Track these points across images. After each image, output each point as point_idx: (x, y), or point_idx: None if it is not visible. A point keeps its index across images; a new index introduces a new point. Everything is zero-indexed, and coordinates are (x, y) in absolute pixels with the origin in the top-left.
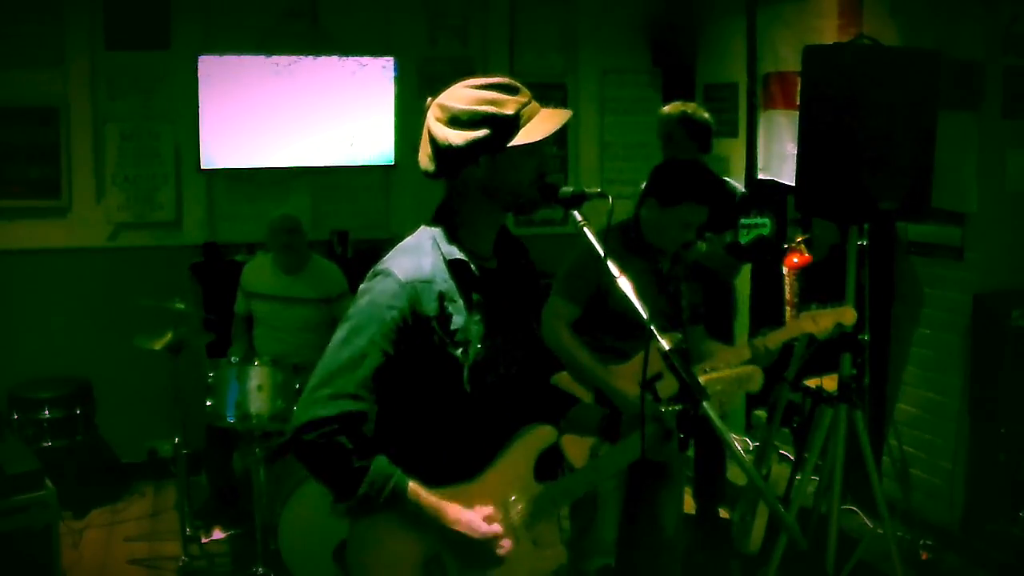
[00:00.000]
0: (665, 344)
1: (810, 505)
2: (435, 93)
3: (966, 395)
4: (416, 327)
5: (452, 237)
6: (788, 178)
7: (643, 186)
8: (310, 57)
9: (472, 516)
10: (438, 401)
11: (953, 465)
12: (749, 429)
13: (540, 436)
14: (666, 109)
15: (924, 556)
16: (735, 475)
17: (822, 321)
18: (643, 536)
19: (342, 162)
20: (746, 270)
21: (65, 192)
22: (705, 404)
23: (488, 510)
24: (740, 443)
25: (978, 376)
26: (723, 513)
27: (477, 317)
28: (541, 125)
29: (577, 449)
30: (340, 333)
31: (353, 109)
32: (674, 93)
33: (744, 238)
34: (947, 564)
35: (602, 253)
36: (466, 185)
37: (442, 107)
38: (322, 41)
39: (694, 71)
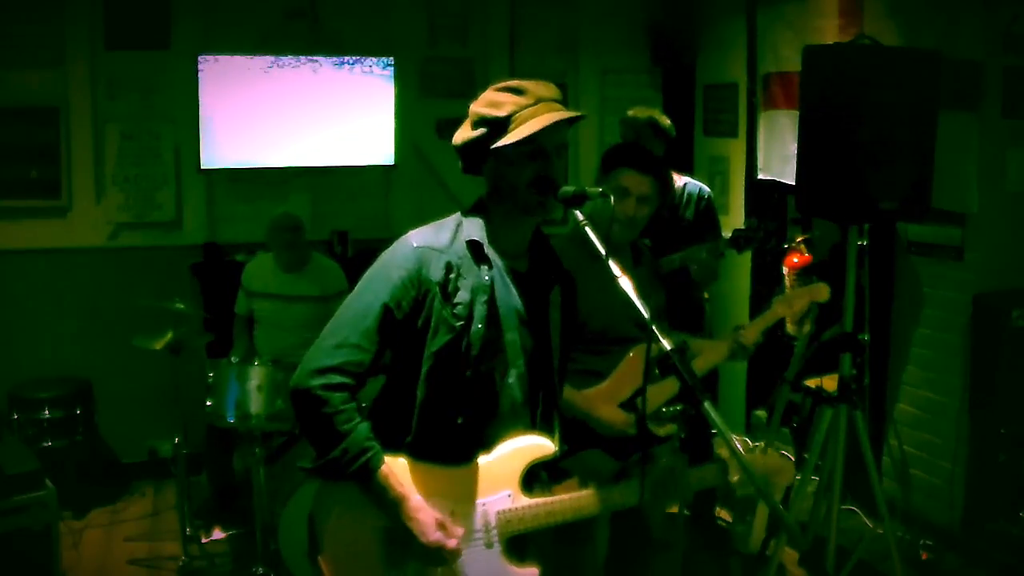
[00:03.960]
0: (667, 344)
1: (810, 505)
2: (435, 93)
3: (966, 395)
4: (421, 291)
5: (489, 230)
6: (789, 178)
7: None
8: (310, 57)
9: (427, 519)
10: (436, 375)
11: (953, 465)
12: (749, 429)
13: (537, 448)
14: (633, 113)
15: (924, 556)
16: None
17: (796, 303)
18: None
19: (342, 162)
20: (746, 270)
21: (65, 192)
22: (706, 404)
23: (443, 516)
24: (740, 443)
25: (978, 376)
26: (722, 514)
27: (484, 299)
28: (529, 126)
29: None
30: (352, 292)
31: (353, 109)
32: (674, 93)
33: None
34: (947, 564)
35: (603, 253)
36: (488, 185)
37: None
38: (322, 41)
39: (694, 71)
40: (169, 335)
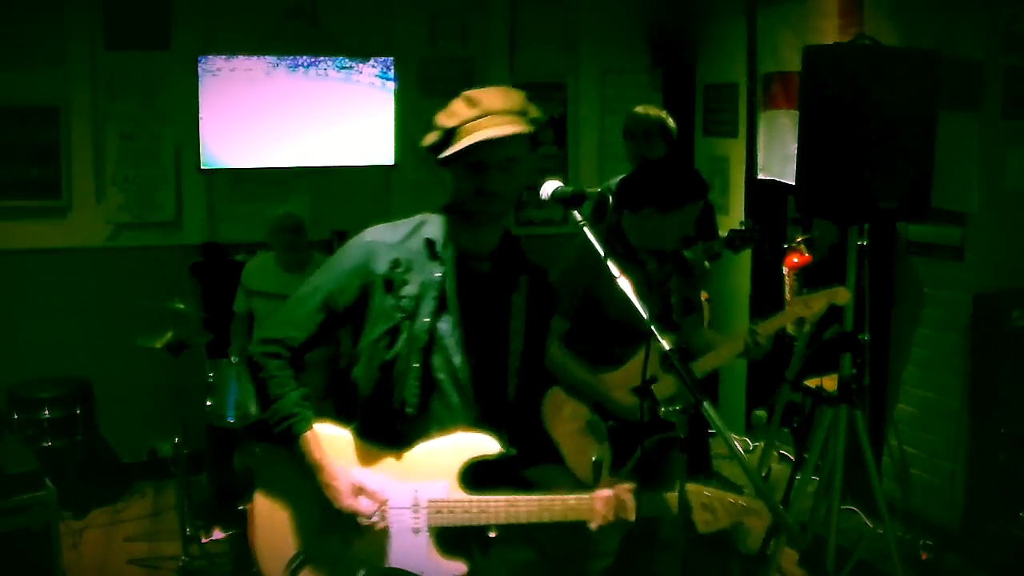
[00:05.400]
0: (666, 344)
1: (810, 505)
2: (435, 93)
3: (966, 395)
4: (365, 282)
5: (452, 230)
6: (789, 178)
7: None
8: (311, 59)
9: (342, 486)
10: (373, 363)
11: (953, 465)
12: (749, 429)
13: (479, 446)
14: (643, 110)
15: (924, 556)
16: (735, 475)
17: (815, 304)
18: (642, 537)
19: (342, 162)
20: (746, 270)
21: (65, 192)
22: (705, 404)
23: (365, 486)
24: (740, 443)
25: (978, 376)
26: None
27: (433, 295)
28: (463, 141)
29: (581, 461)
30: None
31: (353, 109)
32: (674, 93)
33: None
34: (947, 564)
35: (602, 253)
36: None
37: None
38: (322, 41)
39: (694, 71)
40: (169, 335)
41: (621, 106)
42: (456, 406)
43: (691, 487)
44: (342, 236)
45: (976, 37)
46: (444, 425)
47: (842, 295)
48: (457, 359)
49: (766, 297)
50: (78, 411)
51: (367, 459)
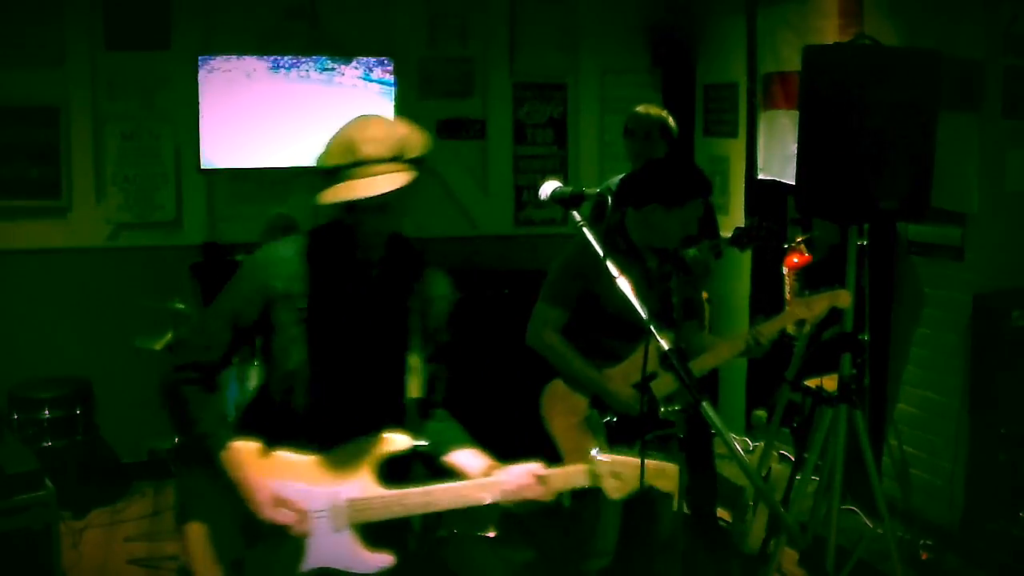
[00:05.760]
0: (664, 344)
1: (810, 505)
2: (435, 93)
3: (966, 395)
4: (267, 297)
5: (338, 245)
6: (789, 178)
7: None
8: (294, 58)
9: (262, 498)
10: (273, 372)
11: (953, 465)
12: (749, 429)
13: (389, 442)
14: (644, 109)
15: (924, 556)
16: (735, 475)
17: (816, 306)
18: (640, 537)
19: None
20: (746, 271)
21: (65, 192)
22: (704, 404)
23: (284, 496)
24: (740, 443)
25: (978, 376)
26: (723, 514)
27: (326, 304)
28: (332, 193)
29: (578, 456)
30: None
31: (353, 109)
32: (674, 93)
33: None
34: (947, 564)
35: (601, 253)
36: None
37: None
38: (322, 41)
39: (694, 71)
40: (169, 335)
41: (621, 106)
42: (362, 406)
43: (595, 457)
44: None
45: (976, 37)
46: (353, 426)
47: (843, 298)
48: (356, 362)
49: (766, 297)
50: (78, 411)
51: (285, 469)
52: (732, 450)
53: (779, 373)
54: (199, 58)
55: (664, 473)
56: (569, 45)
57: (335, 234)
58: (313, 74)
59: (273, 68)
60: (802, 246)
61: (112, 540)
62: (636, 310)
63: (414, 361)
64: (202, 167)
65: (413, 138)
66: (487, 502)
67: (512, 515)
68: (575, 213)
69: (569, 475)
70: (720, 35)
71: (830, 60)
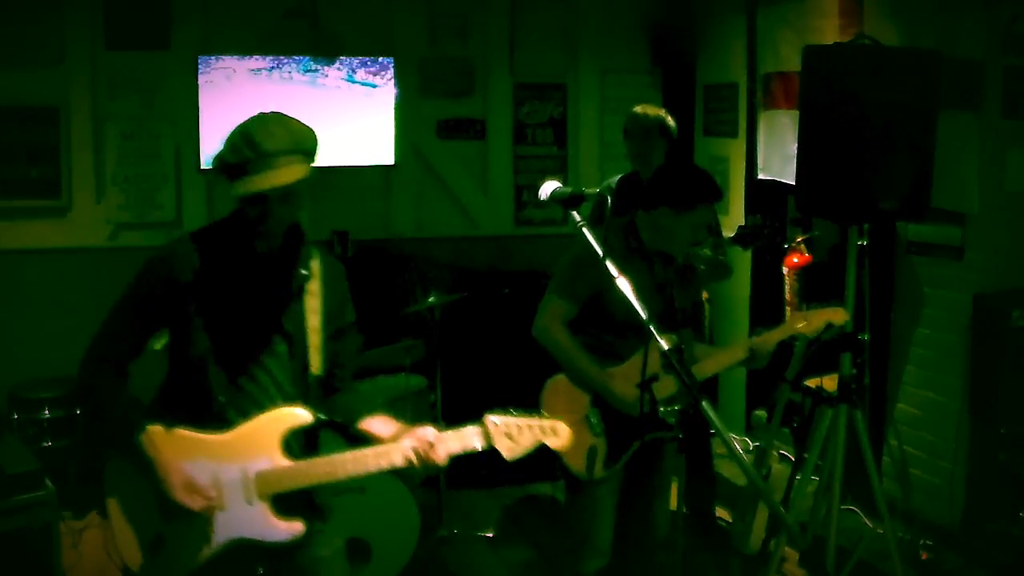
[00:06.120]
0: (664, 344)
1: (810, 505)
2: (435, 93)
3: (966, 395)
4: (171, 288)
5: (239, 234)
6: (789, 178)
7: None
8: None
9: (174, 480)
10: (179, 360)
11: (953, 465)
12: (749, 429)
13: (292, 416)
14: (642, 110)
15: (924, 556)
16: (735, 475)
17: (814, 321)
18: (636, 536)
19: (342, 162)
20: (746, 271)
21: (65, 192)
22: (704, 404)
23: (194, 478)
24: (740, 443)
25: (978, 376)
26: (723, 514)
27: (227, 291)
28: (247, 184)
29: (575, 452)
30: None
31: (353, 109)
32: (674, 93)
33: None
34: (947, 564)
35: (601, 253)
36: None
37: None
38: (322, 41)
39: (694, 71)
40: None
41: (621, 106)
42: (265, 385)
43: (489, 418)
44: (342, 236)
45: (976, 37)
46: (260, 404)
47: (840, 315)
48: (255, 346)
49: (766, 299)
50: (78, 411)
51: (195, 448)
52: (732, 450)
53: (779, 373)
54: (199, 58)
55: (555, 432)
56: (569, 45)
57: (236, 226)
58: (296, 75)
59: (274, 68)
60: (802, 246)
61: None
62: (636, 310)
63: (315, 340)
64: (202, 167)
65: (307, 131)
66: (387, 467)
67: (512, 515)
68: (575, 213)
69: (464, 436)
70: (720, 35)
71: (830, 60)
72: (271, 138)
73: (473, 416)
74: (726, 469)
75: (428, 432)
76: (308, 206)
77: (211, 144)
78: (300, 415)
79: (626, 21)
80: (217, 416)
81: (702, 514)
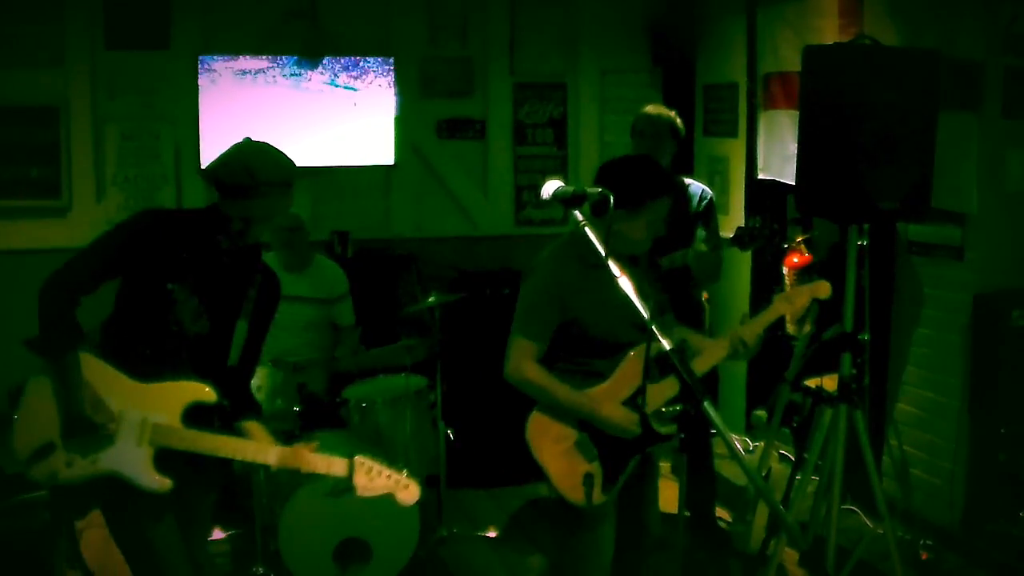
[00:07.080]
0: (666, 344)
1: (810, 505)
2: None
3: (966, 395)
4: (142, 250)
5: (221, 225)
6: (789, 178)
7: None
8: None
9: (86, 396)
10: (134, 314)
11: (953, 465)
12: (749, 429)
13: (198, 390)
14: (654, 110)
15: (924, 556)
16: (735, 475)
17: (797, 300)
18: (632, 538)
19: (342, 162)
20: (746, 270)
21: (65, 192)
22: (705, 404)
23: (104, 402)
24: (740, 443)
25: (978, 376)
26: (723, 514)
27: (185, 269)
28: (254, 206)
29: (570, 481)
30: (109, 230)
31: (353, 109)
32: (674, 93)
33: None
34: (947, 564)
35: (603, 253)
36: None
37: None
38: (322, 41)
39: (694, 71)
40: None
41: (621, 106)
42: (187, 357)
43: (359, 457)
44: (342, 236)
45: (976, 37)
46: (176, 370)
47: (823, 289)
48: (193, 321)
49: (766, 298)
50: None
51: (114, 384)
52: (732, 450)
53: (779, 373)
54: (199, 58)
55: (407, 488)
56: (569, 45)
57: (209, 219)
58: (281, 79)
59: (274, 68)
60: (802, 246)
61: (112, 540)
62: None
63: (241, 331)
64: (202, 167)
65: (293, 166)
66: (261, 462)
67: (514, 516)
68: (577, 212)
69: (331, 463)
70: (720, 35)
71: (830, 60)
72: (265, 170)
73: (473, 416)
74: (726, 469)
75: (302, 448)
76: (309, 206)
77: (211, 144)
78: (207, 393)
79: (626, 21)
80: (140, 366)
81: (702, 514)
